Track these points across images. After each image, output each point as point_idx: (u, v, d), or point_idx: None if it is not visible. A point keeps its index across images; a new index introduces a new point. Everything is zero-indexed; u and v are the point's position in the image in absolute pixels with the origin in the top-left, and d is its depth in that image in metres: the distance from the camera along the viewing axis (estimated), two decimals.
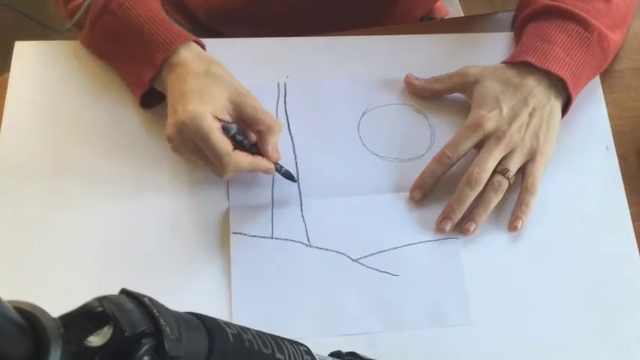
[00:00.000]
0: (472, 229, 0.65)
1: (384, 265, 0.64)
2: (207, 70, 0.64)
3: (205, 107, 0.61)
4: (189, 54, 0.66)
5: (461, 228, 0.65)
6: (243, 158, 0.62)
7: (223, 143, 0.61)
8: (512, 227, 0.66)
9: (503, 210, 0.67)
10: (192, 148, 0.62)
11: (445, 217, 0.65)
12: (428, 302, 0.63)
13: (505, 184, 0.65)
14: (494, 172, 0.65)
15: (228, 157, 0.61)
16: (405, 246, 0.65)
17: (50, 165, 0.68)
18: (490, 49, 0.75)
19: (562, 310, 0.63)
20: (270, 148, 0.63)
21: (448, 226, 0.65)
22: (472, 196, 0.65)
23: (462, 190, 0.65)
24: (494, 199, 0.65)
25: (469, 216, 0.65)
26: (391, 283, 0.64)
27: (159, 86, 0.67)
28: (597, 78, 0.74)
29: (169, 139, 0.63)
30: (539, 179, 0.66)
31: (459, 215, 0.65)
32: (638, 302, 0.64)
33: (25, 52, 0.73)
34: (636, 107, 0.74)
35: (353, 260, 0.65)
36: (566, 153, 0.70)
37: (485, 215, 0.65)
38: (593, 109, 0.73)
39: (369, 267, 0.64)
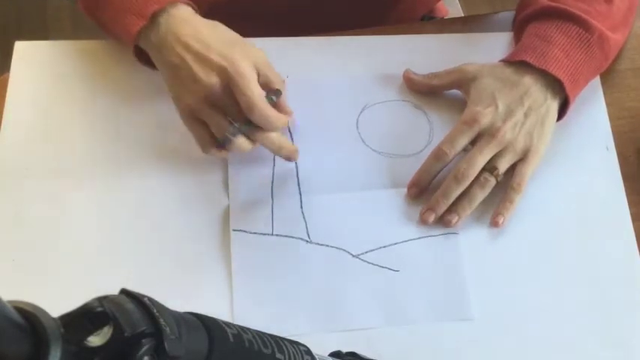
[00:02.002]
0: (454, 221, 0.65)
1: (385, 260, 0.64)
2: (217, 24, 0.65)
3: (245, 56, 0.62)
4: (185, 10, 0.65)
5: (443, 219, 0.66)
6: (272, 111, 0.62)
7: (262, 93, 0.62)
8: (493, 223, 0.66)
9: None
10: (220, 104, 0.62)
11: (429, 208, 0.66)
12: (428, 297, 0.63)
13: (492, 181, 0.66)
14: (483, 169, 0.65)
15: (263, 104, 0.61)
16: (405, 241, 0.66)
17: (50, 165, 0.68)
18: (490, 49, 0.75)
19: (562, 309, 0.63)
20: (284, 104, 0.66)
21: (431, 218, 0.66)
22: (458, 190, 0.65)
23: (449, 184, 0.65)
24: (480, 196, 0.66)
25: (453, 208, 0.66)
26: (392, 278, 0.64)
27: (144, 42, 0.65)
28: (597, 78, 0.74)
29: (200, 91, 0.61)
30: (527, 179, 0.66)
31: (443, 208, 0.66)
32: (638, 302, 0.64)
33: (25, 52, 0.73)
34: (636, 107, 0.74)
35: (353, 256, 0.65)
36: (567, 153, 0.70)
37: (469, 210, 0.66)
38: (593, 109, 0.73)
39: (369, 263, 0.64)
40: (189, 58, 0.62)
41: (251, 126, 0.62)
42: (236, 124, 0.62)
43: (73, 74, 0.72)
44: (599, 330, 0.63)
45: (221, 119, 0.62)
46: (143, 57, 0.67)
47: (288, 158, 0.66)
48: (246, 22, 0.77)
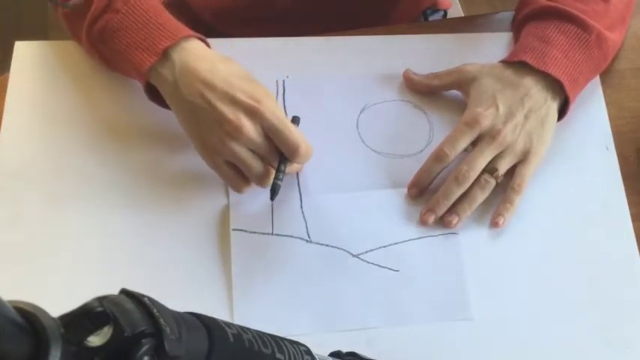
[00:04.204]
0: (454, 222, 0.65)
1: (385, 260, 0.65)
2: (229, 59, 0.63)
3: (268, 94, 0.60)
4: (199, 45, 0.63)
5: (443, 220, 0.66)
6: (308, 144, 0.61)
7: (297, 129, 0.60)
8: (493, 224, 0.66)
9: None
10: (252, 145, 0.59)
11: (429, 209, 0.66)
12: (428, 297, 0.63)
13: (492, 183, 0.66)
14: (484, 170, 0.66)
15: (305, 143, 0.60)
16: (405, 241, 0.66)
17: (50, 165, 0.68)
18: (490, 49, 0.75)
19: (562, 309, 0.63)
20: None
21: (431, 219, 0.66)
22: (458, 192, 0.65)
23: (449, 185, 0.65)
24: (480, 197, 0.66)
25: (453, 209, 0.66)
26: (392, 278, 0.64)
27: (155, 79, 0.63)
28: (597, 78, 0.74)
29: (233, 134, 0.58)
30: (528, 180, 0.66)
31: (443, 209, 0.66)
32: (638, 302, 0.64)
33: (25, 52, 0.73)
34: (636, 107, 0.74)
35: (353, 256, 0.65)
36: (567, 153, 0.70)
37: (469, 211, 0.66)
38: (593, 109, 0.73)
39: (369, 262, 0.64)
40: (212, 97, 0.59)
41: (287, 163, 0.62)
42: (281, 167, 0.61)
43: (73, 74, 0.72)
44: (599, 330, 0.63)
45: (256, 162, 0.60)
46: (154, 94, 0.65)
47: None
48: (248, 25, 0.77)
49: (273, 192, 0.61)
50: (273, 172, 0.62)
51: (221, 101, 0.59)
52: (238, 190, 0.64)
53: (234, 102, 0.59)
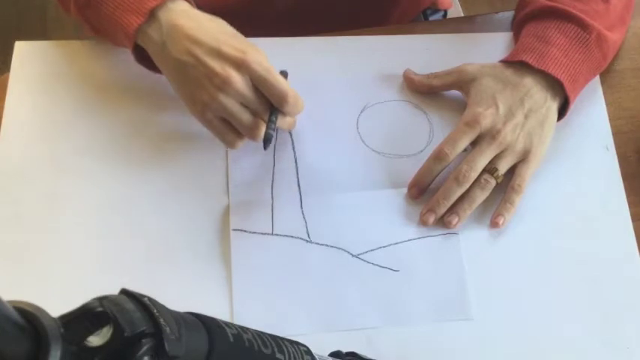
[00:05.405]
0: (455, 222, 0.65)
1: (385, 260, 0.65)
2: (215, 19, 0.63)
3: (256, 48, 0.61)
4: (184, 5, 0.63)
5: (444, 221, 0.66)
6: (296, 93, 0.62)
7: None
8: (493, 224, 0.66)
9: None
10: (241, 98, 0.60)
11: (429, 209, 0.66)
12: (428, 298, 0.63)
13: (492, 183, 0.66)
14: (484, 170, 0.66)
15: (293, 92, 0.61)
16: (405, 241, 0.66)
17: (50, 165, 0.68)
18: (490, 49, 0.75)
19: (562, 310, 0.63)
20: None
21: (431, 219, 0.66)
22: (458, 192, 0.65)
23: (450, 185, 0.65)
24: (480, 197, 0.66)
25: (453, 209, 0.66)
26: (392, 278, 0.64)
27: (143, 39, 0.63)
28: (597, 78, 0.74)
29: (222, 87, 0.59)
30: (528, 180, 0.66)
31: (443, 209, 0.66)
32: (638, 302, 0.64)
33: (25, 52, 0.73)
34: (636, 107, 0.74)
35: (353, 256, 0.65)
36: (566, 153, 0.70)
37: (469, 211, 0.66)
38: (593, 109, 0.73)
39: (369, 262, 0.64)
40: (199, 53, 0.60)
41: (277, 114, 0.62)
42: (272, 117, 0.62)
43: (73, 74, 0.72)
44: (599, 330, 0.63)
45: (246, 114, 0.61)
46: (141, 57, 0.65)
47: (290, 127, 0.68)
48: (246, 24, 0.77)
49: (266, 141, 0.62)
50: (264, 125, 0.62)
51: (208, 56, 0.60)
52: (232, 145, 0.64)
53: (221, 56, 0.60)
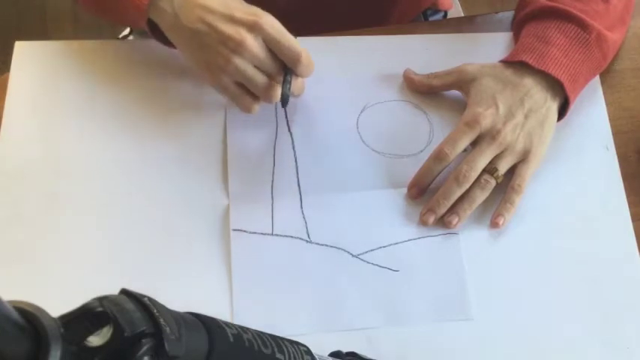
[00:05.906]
0: (455, 222, 0.65)
1: (385, 260, 0.65)
2: None
3: (264, 11, 0.62)
4: None
5: (444, 221, 0.66)
6: (308, 53, 0.63)
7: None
8: (493, 224, 0.66)
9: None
10: (256, 60, 0.61)
11: (429, 209, 0.66)
12: (428, 298, 0.63)
13: (492, 183, 0.66)
14: (484, 170, 0.66)
15: (306, 52, 0.62)
16: (405, 241, 0.66)
17: (50, 165, 0.68)
18: (490, 49, 0.75)
19: (562, 310, 0.63)
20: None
21: (431, 219, 0.66)
22: (458, 192, 0.65)
23: (450, 185, 0.65)
24: (480, 197, 0.66)
25: (453, 209, 0.66)
26: (392, 278, 0.64)
27: (155, 13, 0.63)
28: (597, 78, 0.74)
29: (237, 49, 0.60)
30: (528, 180, 0.67)
31: (443, 210, 0.66)
32: (638, 302, 0.64)
33: (25, 52, 0.73)
34: (636, 107, 0.74)
35: (353, 256, 0.65)
36: (566, 153, 0.70)
37: (469, 211, 0.66)
38: (593, 109, 0.73)
39: (369, 263, 0.65)
40: (212, 19, 0.61)
41: (292, 74, 0.64)
42: (287, 77, 0.63)
43: (73, 74, 0.72)
44: (599, 330, 0.63)
45: (261, 76, 0.63)
46: (155, 32, 0.66)
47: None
48: None
49: (284, 101, 0.64)
50: (279, 87, 0.64)
51: (221, 21, 0.61)
52: (248, 109, 0.65)
53: (234, 20, 0.61)
